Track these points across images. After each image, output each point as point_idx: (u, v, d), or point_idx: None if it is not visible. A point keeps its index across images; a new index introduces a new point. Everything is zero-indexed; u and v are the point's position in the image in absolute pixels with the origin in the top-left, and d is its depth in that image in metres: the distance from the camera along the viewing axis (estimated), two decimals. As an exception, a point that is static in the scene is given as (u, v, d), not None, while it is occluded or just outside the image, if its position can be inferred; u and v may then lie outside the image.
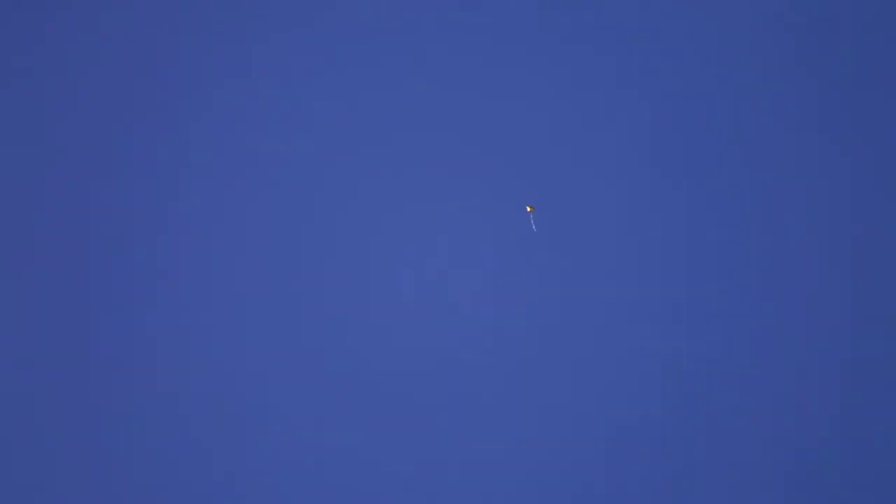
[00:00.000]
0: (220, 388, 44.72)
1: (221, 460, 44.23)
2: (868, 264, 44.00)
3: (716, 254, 44.87)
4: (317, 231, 45.86)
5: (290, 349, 45.11)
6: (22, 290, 45.18)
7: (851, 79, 44.99)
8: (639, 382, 43.97)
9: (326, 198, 45.96)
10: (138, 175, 45.99)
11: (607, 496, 43.34)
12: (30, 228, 45.56)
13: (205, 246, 45.85)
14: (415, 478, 44.00)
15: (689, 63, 45.95)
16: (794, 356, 43.85)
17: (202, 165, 46.08)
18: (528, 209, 41.96)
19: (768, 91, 45.19)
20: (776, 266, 44.60)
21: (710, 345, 43.98)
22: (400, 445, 44.33)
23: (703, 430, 43.45)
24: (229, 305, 45.42)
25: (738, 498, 43.26)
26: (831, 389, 43.35)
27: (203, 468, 44.30)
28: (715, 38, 45.78)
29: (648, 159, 45.49)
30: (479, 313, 45.17)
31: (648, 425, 43.64)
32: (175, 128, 46.17)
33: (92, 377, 44.83)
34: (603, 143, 45.70)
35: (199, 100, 46.24)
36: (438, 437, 44.29)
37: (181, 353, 44.97)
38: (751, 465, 43.27)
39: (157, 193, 45.81)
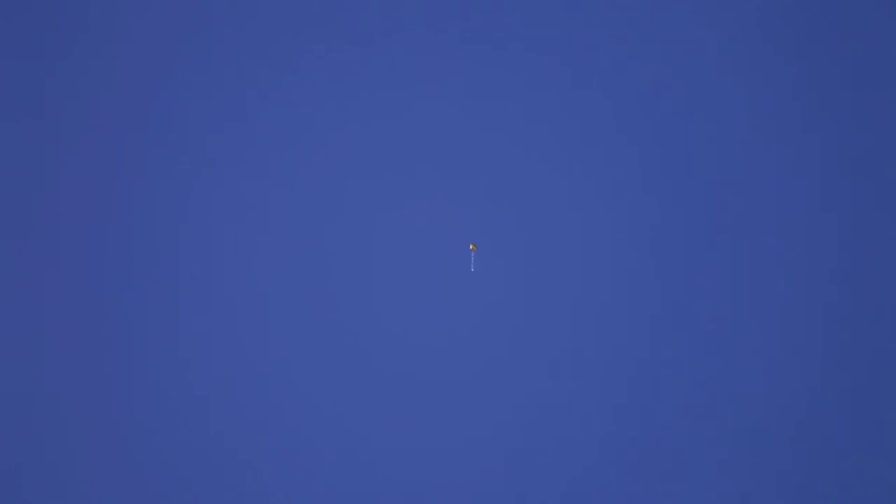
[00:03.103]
0: (226, 387, 44.95)
1: (229, 457, 44.45)
2: (864, 266, 44.17)
3: (710, 254, 45.08)
4: (320, 231, 46.09)
5: (298, 349, 45.35)
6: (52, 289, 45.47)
7: (851, 81, 45.16)
8: (635, 382, 44.25)
9: (334, 198, 46.21)
10: (149, 173, 46.23)
11: (605, 493, 43.59)
12: (45, 229, 45.82)
13: (216, 246, 46.12)
14: (420, 474, 44.22)
15: (685, 66, 46.24)
16: (793, 356, 44.09)
17: (214, 167, 46.34)
18: (472, 247, 42.65)
19: (764, 96, 45.44)
20: (770, 267, 44.85)
21: (708, 347, 44.20)
22: (403, 442, 44.52)
23: (699, 428, 43.63)
24: (243, 306, 45.64)
25: (734, 494, 43.49)
26: (827, 388, 43.52)
27: (209, 466, 44.52)
28: (712, 42, 46.06)
29: (645, 162, 45.75)
30: (485, 311, 45.40)
31: (645, 419, 43.87)
32: (186, 129, 46.38)
33: (103, 375, 45.13)
34: (602, 146, 45.96)
35: (209, 105, 46.50)
36: (445, 434, 44.49)
37: (191, 355, 45.26)
38: (749, 463, 43.46)
39: (172, 195, 46.04)
